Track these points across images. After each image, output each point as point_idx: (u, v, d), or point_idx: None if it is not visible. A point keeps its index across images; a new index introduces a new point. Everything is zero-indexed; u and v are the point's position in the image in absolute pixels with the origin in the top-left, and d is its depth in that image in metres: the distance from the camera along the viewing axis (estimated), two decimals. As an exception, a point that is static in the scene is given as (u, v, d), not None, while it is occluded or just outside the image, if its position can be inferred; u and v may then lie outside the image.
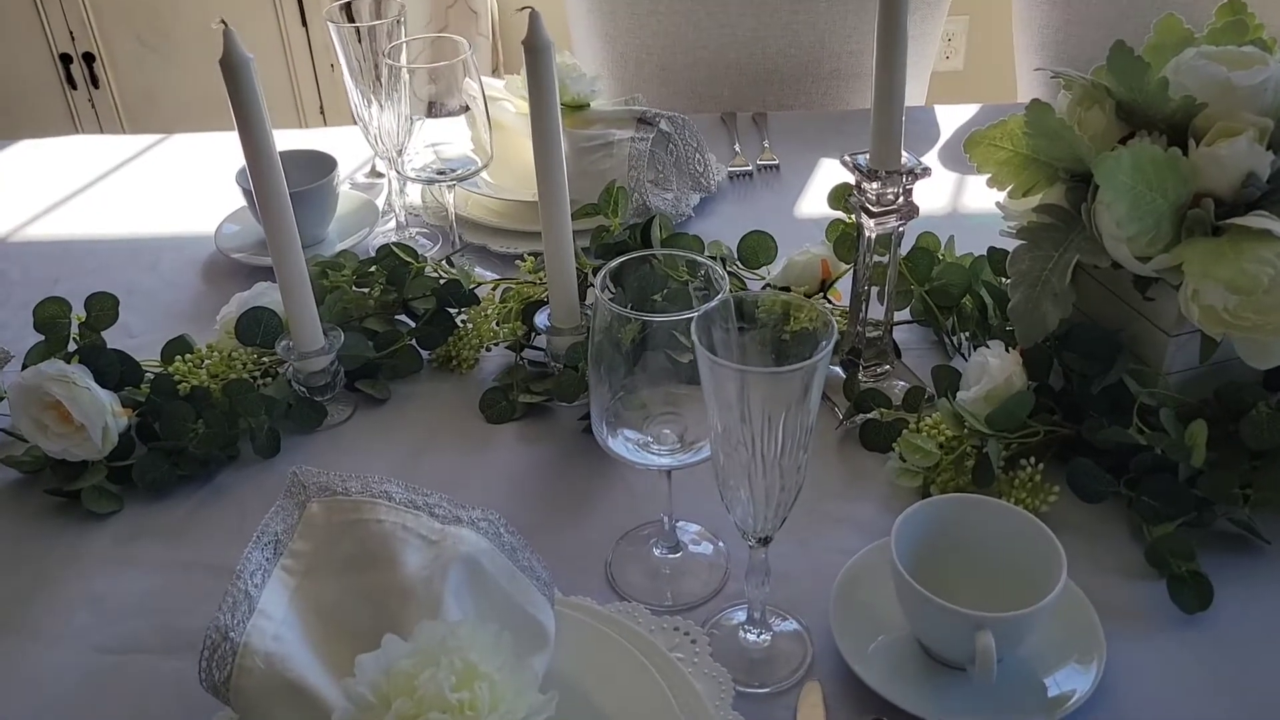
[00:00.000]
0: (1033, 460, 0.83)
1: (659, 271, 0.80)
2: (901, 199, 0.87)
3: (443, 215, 1.18)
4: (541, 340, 0.98)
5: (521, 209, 1.21)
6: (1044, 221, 0.85)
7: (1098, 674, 0.69)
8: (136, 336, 1.07)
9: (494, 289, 1.05)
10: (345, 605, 0.66)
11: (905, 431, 0.87)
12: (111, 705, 0.74)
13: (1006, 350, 0.86)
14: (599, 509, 0.87)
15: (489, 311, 1.01)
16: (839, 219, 1.01)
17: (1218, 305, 0.76)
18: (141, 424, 0.92)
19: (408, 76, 1.03)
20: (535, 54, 0.83)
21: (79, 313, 0.97)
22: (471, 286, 1.02)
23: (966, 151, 0.89)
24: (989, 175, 0.89)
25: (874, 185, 0.87)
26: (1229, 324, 0.76)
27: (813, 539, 0.82)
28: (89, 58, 2.45)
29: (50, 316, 0.96)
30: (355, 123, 1.16)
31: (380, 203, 1.27)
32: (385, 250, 1.05)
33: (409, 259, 1.04)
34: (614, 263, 0.73)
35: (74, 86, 2.49)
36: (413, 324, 1.03)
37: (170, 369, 0.94)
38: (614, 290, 0.74)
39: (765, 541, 0.68)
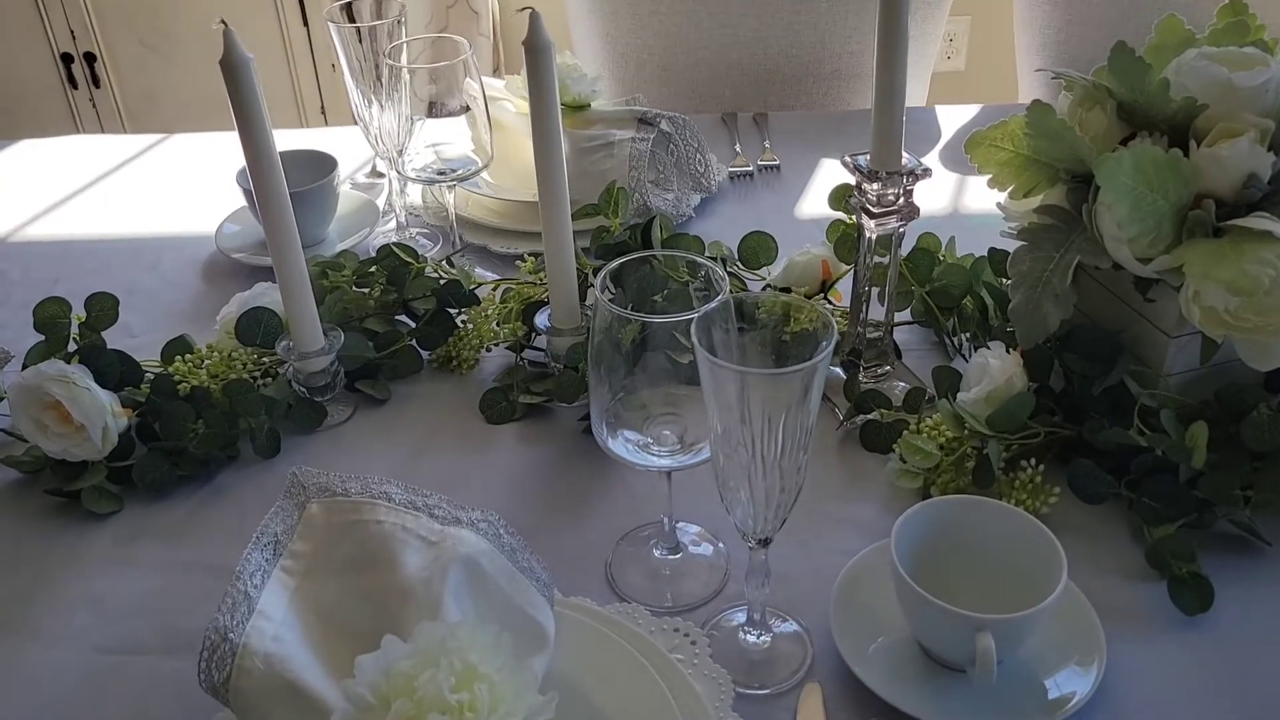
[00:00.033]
0: (1033, 461, 0.82)
1: (659, 272, 0.80)
2: (902, 200, 0.87)
3: (443, 215, 1.18)
4: (542, 341, 0.98)
5: (522, 209, 1.21)
6: (1045, 222, 0.85)
7: (1098, 676, 0.69)
8: (137, 336, 1.07)
9: (494, 289, 1.05)
10: (345, 606, 0.65)
11: (906, 432, 0.87)
12: (111, 706, 0.74)
13: (1007, 351, 0.86)
14: (599, 510, 0.87)
15: (489, 312, 1.01)
16: (839, 219, 1.01)
17: (1219, 306, 0.75)
18: (141, 424, 0.92)
19: (408, 77, 1.03)
20: (535, 54, 0.83)
21: (79, 313, 0.97)
22: (472, 287, 1.02)
23: (967, 152, 0.89)
24: (990, 176, 0.89)
25: (874, 186, 0.87)
26: (1230, 325, 0.76)
27: (813, 540, 0.82)
28: (90, 57, 2.45)
29: (50, 316, 0.96)
30: (356, 123, 1.16)
31: (381, 203, 1.27)
32: (385, 250, 1.05)
33: (409, 259, 1.04)
34: (614, 263, 0.73)
35: (75, 86, 2.49)
36: (413, 324, 1.03)
37: (170, 369, 0.94)
38: (614, 291, 0.74)
39: (765, 543, 0.68)
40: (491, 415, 0.96)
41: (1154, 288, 0.81)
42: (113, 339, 0.97)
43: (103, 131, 2.50)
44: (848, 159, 0.89)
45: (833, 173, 1.31)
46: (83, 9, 2.38)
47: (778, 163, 1.34)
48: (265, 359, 0.98)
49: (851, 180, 0.89)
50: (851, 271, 0.96)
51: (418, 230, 1.24)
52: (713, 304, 0.64)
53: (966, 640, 0.66)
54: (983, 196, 0.94)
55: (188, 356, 0.95)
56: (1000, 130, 0.87)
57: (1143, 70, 0.79)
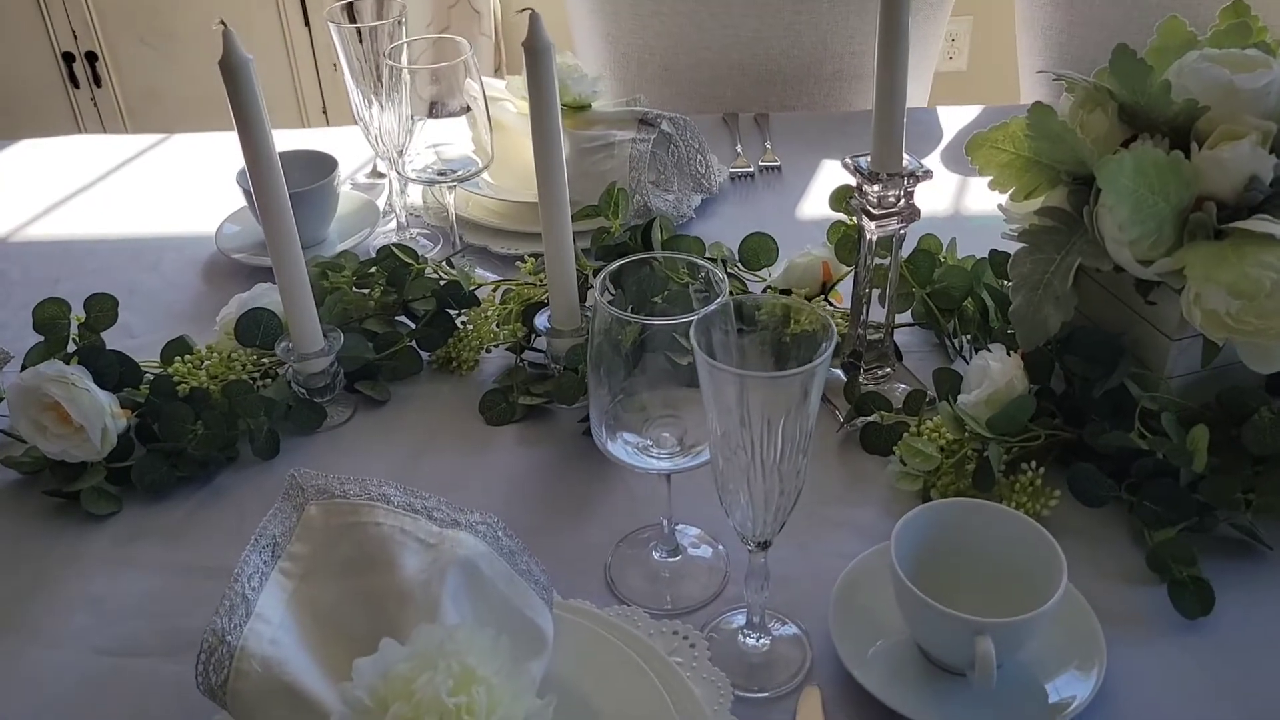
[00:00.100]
0: (1034, 464, 0.82)
1: (659, 274, 0.79)
2: (903, 201, 0.87)
3: (443, 216, 1.18)
4: (542, 342, 0.98)
5: (522, 210, 1.20)
6: (1046, 224, 0.85)
7: (1098, 679, 0.69)
8: (137, 337, 1.07)
9: (494, 290, 1.05)
10: (343, 608, 0.65)
11: (906, 435, 0.87)
12: (111, 707, 0.74)
13: (1008, 353, 0.86)
14: (599, 511, 0.87)
15: (489, 313, 1.01)
16: (840, 221, 1.01)
17: (1220, 309, 0.75)
18: (141, 425, 0.92)
19: (409, 77, 1.03)
20: (535, 56, 0.82)
21: (79, 313, 0.97)
22: (472, 288, 1.02)
23: (968, 154, 0.88)
24: (991, 178, 0.89)
25: (875, 188, 0.87)
26: (1231, 328, 0.76)
27: (812, 542, 0.82)
28: (92, 56, 2.45)
29: (50, 317, 0.96)
30: (356, 123, 1.16)
31: (381, 203, 1.27)
32: (385, 251, 1.05)
33: (409, 260, 1.04)
34: (614, 265, 0.73)
35: (77, 85, 2.49)
36: (413, 325, 1.02)
37: (170, 370, 0.94)
38: (614, 292, 0.73)
39: (764, 546, 0.68)
40: (491, 417, 0.96)
41: (1155, 290, 0.81)
42: (112, 340, 0.97)
43: (104, 131, 2.50)
44: (848, 160, 0.88)
45: (834, 174, 1.31)
46: (84, 8, 2.38)
47: (779, 163, 1.34)
48: (265, 360, 0.98)
49: (852, 182, 0.89)
50: (852, 273, 0.96)
51: (418, 231, 1.24)
52: (712, 306, 0.63)
53: (966, 644, 0.66)
54: (984, 198, 0.94)
55: (187, 357, 0.95)
56: (1001, 132, 0.87)
57: (1144, 72, 0.79)
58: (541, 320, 0.95)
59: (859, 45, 1.62)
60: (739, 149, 1.37)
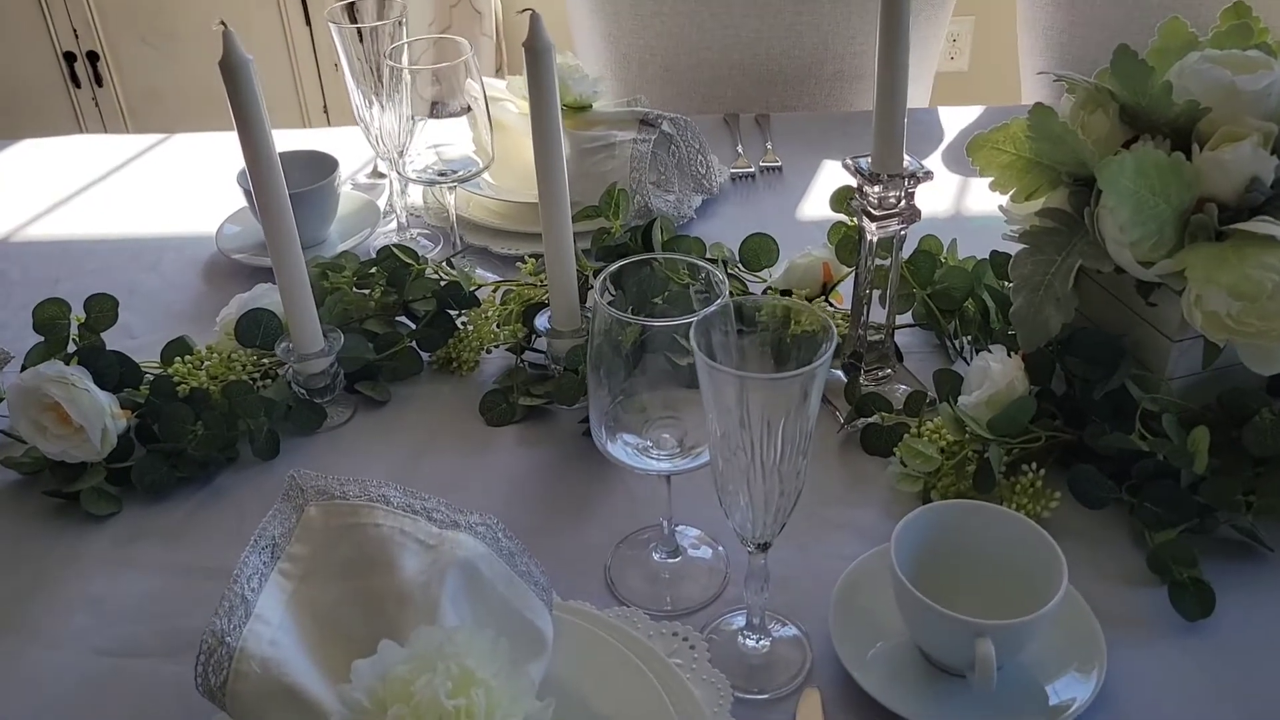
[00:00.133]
0: (1034, 466, 0.82)
1: (659, 274, 0.79)
2: (903, 202, 0.87)
3: (444, 216, 1.18)
4: (542, 343, 0.98)
5: (523, 210, 1.20)
6: (1046, 226, 0.85)
7: (1098, 681, 0.69)
8: (137, 337, 1.07)
9: (495, 291, 1.05)
10: (342, 610, 0.65)
11: (906, 436, 0.87)
12: (111, 707, 0.73)
13: (1008, 355, 0.86)
14: (599, 512, 0.87)
15: (489, 313, 1.01)
16: (841, 221, 1.01)
17: (1221, 311, 0.75)
18: (140, 426, 0.92)
19: (409, 77, 1.03)
20: (536, 56, 0.82)
21: (79, 314, 0.97)
22: (472, 288, 1.02)
23: (969, 155, 0.88)
24: (991, 179, 0.89)
25: (875, 189, 0.87)
26: (1232, 330, 0.76)
27: (813, 544, 0.82)
28: (93, 56, 2.45)
29: (49, 318, 0.95)
30: (357, 123, 1.16)
31: (382, 204, 1.27)
32: (386, 251, 1.05)
33: (409, 260, 1.04)
34: (614, 266, 0.72)
35: (78, 85, 2.49)
36: (413, 326, 1.02)
37: (170, 370, 0.94)
38: (614, 293, 0.73)
39: (764, 547, 0.68)
40: (491, 417, 0.96)
41: (1156, 292, 0.81)
42: (113, 340, 0.97)
43: (105, 130, 2.50)
44: (849, 161, 0.88)
45: (835, 174, 1.31)
46: (85, 7, 2.38)
47: (780, 164, 1.33)
48: (265, 360, 0.97)
49: (853, 182, 0.89)
50: (853, 274, 0.96)
51: (419, 231, 1.24)
52: (712, 307, 0.63)
53: (966, 646, 0.65)
54: (985, 198, 0.94)
55: (187, 358, 0.95)
56: (1002, 133, 0.87)
57: (1145, 73, 0.79)
58: (542, 321, 0.95)
59: (860, 45, 1.62)
60: (740, 149, 1.37)
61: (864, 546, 0.79)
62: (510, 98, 1.24)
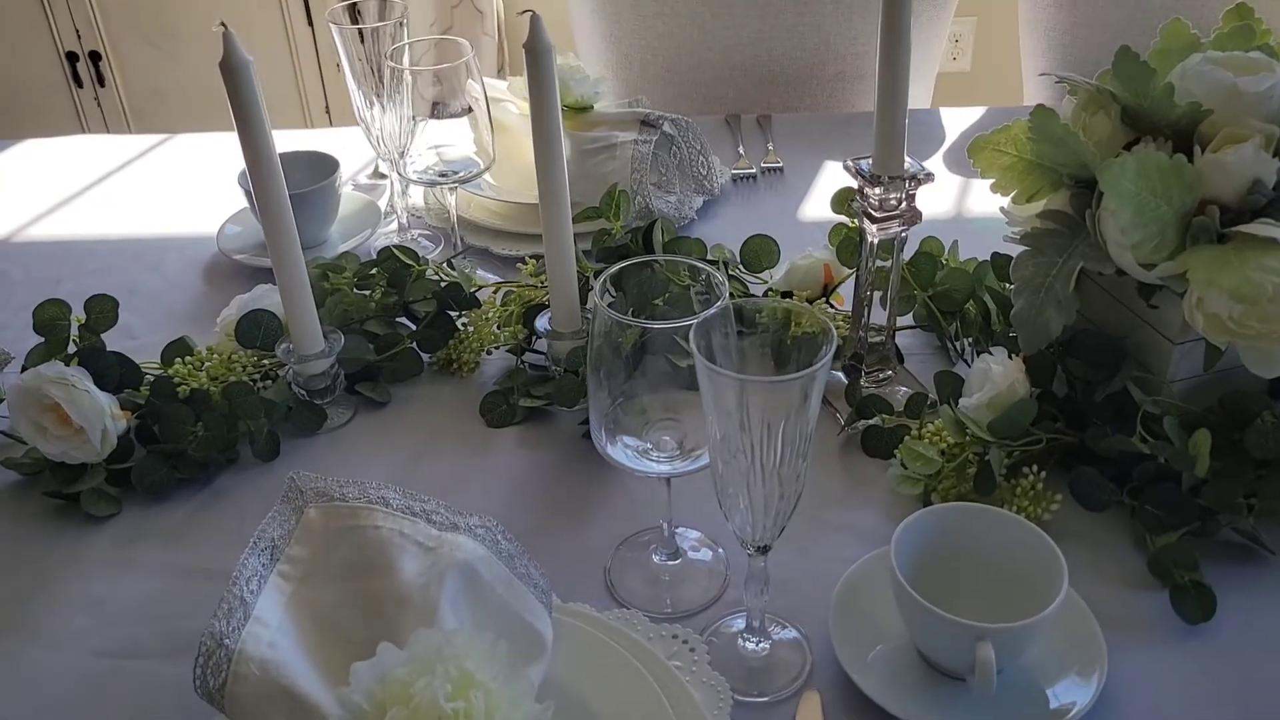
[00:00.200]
0: (1035, 468, 0.82)
1: (660, 276, 0.79)
2: (904, 204, 0.87)
3: (445, 217, 1.18)
4: (542, 344, 0.98)
5: (524, 211, 1.20)
6: (1048, 227, 0.85)
7: (1099, 685, 0.69)
8: (138, 338, 1.07)
9: (495, 292, 1.05)
10: (341, 612, 0.65)
11: (907, 438, 0.86)
12: (110, 708, 0.73)
13: (1009, 357, 0.86)
14: (599, 514, 0.87)
15: (490, 315, 1.01)
16: (842, 223, 1.01)
17: (1222, 313, 0.75)
18: (141, 426, 0.92)
19: (410, 78, 1.03)
20: (536, 57, 0.82)
21: (79, 315, 0.97)
22: (473, 289, 1.02)
23: (970, 156, 0.88)
24: (993, 180, 0.88)
25: (876, 190, 0.86)
26: (1234, 332, 0.75)
27: (813, 546, 0.82)
28: (95, 56, 2.46)
29: (50, 319, 0.96)
30: (359, 123, 1.16)
31: (382, 204, 1.27)
32: (386, 252, 1.05)
33: (410, 261, 1.04)
34: (614, 268, 0.72)
35: (80, 85, 2.49)
36: (413, 327, 1.02)
37: (170, 371, 0.94)
38: (615, 294, 0.73)
39: (764, 550, 0.68)
40: (492, 419, 0.96)
41: (1157, 294, 0.81)
42: (113, 340, 0.97)
43: (108, 130, 2.51)
44: (849, 163, 0.88)
45: (836, 175, 1.31)
46: (87, 8, 2.38)
47: (781, 165, 1.33)
48: (265, 361, 0.97)
49: (854, 184, 0.89)
50: (854, 275, 0.96)
51: (419, 232, 1.24)
52: (712, 310, 0.63)
53: (966, 649, 0.65)
54: (986, 199, 0.93)
55: (187, 359, 0.95)
56: (1003, 134, 0.86)
57: (1147, 75, 0.79)
58: (542, 322, 0.95)
59: (862, 46, 1.62)
60: (741, 150, 1.37)
61: (864, 549, 0.79)
62: (511, 98, 1.24)
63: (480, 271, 1.11)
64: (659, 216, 1.07)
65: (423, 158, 1.07)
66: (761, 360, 0.66)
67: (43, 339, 0.95)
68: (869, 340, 0.95)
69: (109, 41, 2.44)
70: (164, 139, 1.48)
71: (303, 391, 0.94)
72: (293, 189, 0.87)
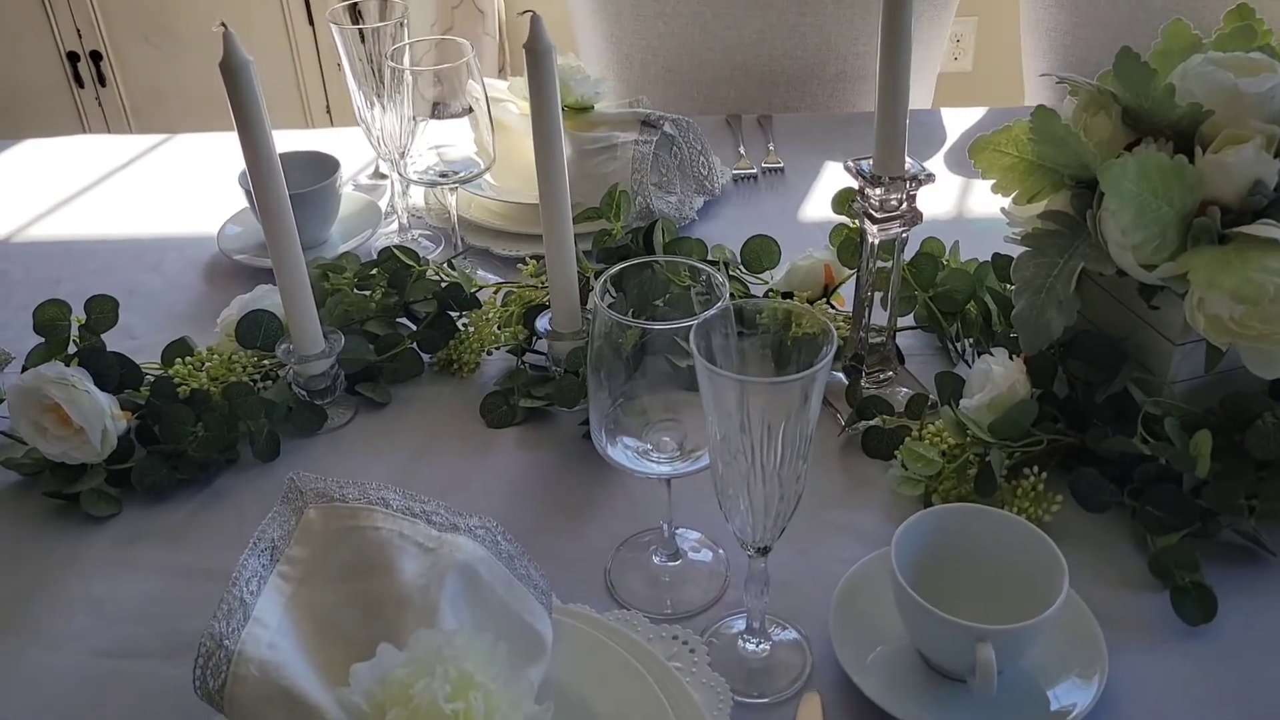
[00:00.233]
0: (1036, 469, 0.82)
1: (661, 276, 0.79)
2: (905, 205, 0.87)
3: (445, 218, 1.18)
4: (543, 344, 0.98)
5: (524, 211, 1.20)
6: (1049, 228, 0.85)
7: (1100, 686, 0.69)
8: (139, 338, 1.07)
9: (496, 292, 1.04)
10: (341, 613, 0.65)
11: (907, 439, 0.86)
12: (110, 709, 0.73)
13: (1010, 358, 0.86)
14: (599, 515, 0.87)
15: (490, 315, 1.01)
16: (843, 224, 1.01)
17: (1223, 314, 0.75)
18: (141, 427, 0.92)
19: (410, 79, 1.03)
20: (536, 58, 0.82)
21: (79, 315, 0.97)
22: (473, 290, 1.02)
23: (971, 157, 0.88)
24: (994, 181, 0.88)
25: (877, 191, 0.86)
26: (1235, 333, 0.75)
27: (813, 547, 0.82)
28: (96, 56, 2.46)
29: (50, 319, 0.95)
30: (359, 123, 1.16)
31: (383, 205, 1.27)
32: (387, 253, 1.05)
33: (410, 262, 1.04)
34: (615, 268, 0.72)
35: (81, 85, 2.50)
36: (414, 327, 1.02)
37: (170, 372, 0.94)
38: (615, 295, 0.73)
39: (764, 551, 0.68)
40: (492, 419, 0.96)
41: (1158, 295, 0.81)
42: (114, 341, 0.97)
43: (109, 130, 2.51)
44: (850, 164, 0.88)
45: (837, 175, 1.31)
46: (88, 7, 2.39)
47: (782, 165, 1.33)
48: (265, 362, 0.97)
49: (854, 185, 0.89)
50: (854, 276, 0.96)
51: (420, 232, 1.24)
52: (712, 311, 0.63)
53: (967, 650, 0.65)
54: (987, 200, 0.93)
55: (188, 359, 0.95)
56: (1004, 135, 0.86)
57: (1148, 75, 0.78)
58: (543, 323, 0.95)
59: (863, 46, 1.62)
60: (742, 150, 1.36)
61: (864, 550, 0.79)
62: (512, 99, 1.24)
63: (481, 272, 1.11)
64: (659, 217, 1.07)
65: (423, 158, 1.07)
66: (762, 361, 0.66)
67: (43, 339, 0.95)
68: (870, 341, 0.95)
69: (110, 41, 2.44)
70: (164, 139, 1.48)
71: (303, 392, 0.94)
72: (293, 189, 0.87)
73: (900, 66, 0.81)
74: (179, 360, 0.95)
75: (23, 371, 0.91)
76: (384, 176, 1.34)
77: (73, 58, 2.45)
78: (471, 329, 1.01)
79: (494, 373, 1.02)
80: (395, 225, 1.24)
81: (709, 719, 0.68)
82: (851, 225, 0.99)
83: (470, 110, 1.04)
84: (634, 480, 0.88)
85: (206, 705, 0.63)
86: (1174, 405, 0.79)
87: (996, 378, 0.84)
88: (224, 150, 1.41)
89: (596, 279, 0.74)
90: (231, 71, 0.79)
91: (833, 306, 1.02)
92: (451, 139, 1.07)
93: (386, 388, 1.00)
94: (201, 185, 1.36)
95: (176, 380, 0.93)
